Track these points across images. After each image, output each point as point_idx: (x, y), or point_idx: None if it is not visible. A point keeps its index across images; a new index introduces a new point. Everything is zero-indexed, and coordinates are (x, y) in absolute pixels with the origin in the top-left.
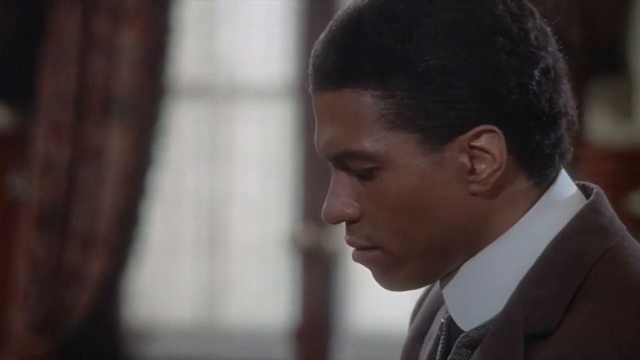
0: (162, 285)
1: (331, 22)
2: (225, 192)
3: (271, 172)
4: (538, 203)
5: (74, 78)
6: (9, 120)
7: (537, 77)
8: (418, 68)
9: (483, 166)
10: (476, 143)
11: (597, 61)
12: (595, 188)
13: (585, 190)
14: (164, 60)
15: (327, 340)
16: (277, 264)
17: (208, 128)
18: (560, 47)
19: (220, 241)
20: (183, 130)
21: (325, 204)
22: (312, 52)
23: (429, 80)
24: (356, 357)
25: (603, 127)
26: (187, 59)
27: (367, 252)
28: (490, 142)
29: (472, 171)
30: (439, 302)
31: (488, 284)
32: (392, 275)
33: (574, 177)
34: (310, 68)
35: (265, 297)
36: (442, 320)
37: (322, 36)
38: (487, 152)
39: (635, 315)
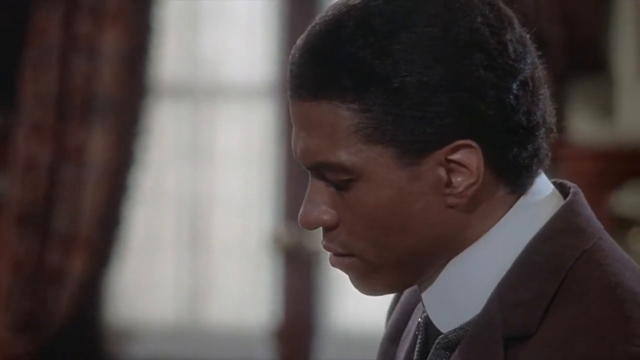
0: (144, 285)
1: (310, 27)
2: (207, 192)
3: (253, 172)
4: (515, 206)
5: (56, 78)
6: None
7: (514, 91)
8: (395, 83)
9: (460, 179)
10: (453, 157)
11: (578, 61)
12: (573, 187)
13: (562, 189)
14: (146, 60)
15: (309, 340)
16: (259, 264)
17: (190, 128)
18: (540, 52)
19: (202, 241)
20: (165, 129)
21: (302, 209)
22: (290, 57)
23: (406, 96)
24: (338, 356)
25: (584, 126)
26: (169, 58)
27: (344, 259)
28: (468, 156)
29: (449, 184)
30: (416, 299)
31: (466, 286)
32: (369, 281)
33: (554, 176)
34: (288, 74)
35: (247, 296)
36: (419, 319)
37: (300, 42)
38: (464, 165)
39: (613, 317)
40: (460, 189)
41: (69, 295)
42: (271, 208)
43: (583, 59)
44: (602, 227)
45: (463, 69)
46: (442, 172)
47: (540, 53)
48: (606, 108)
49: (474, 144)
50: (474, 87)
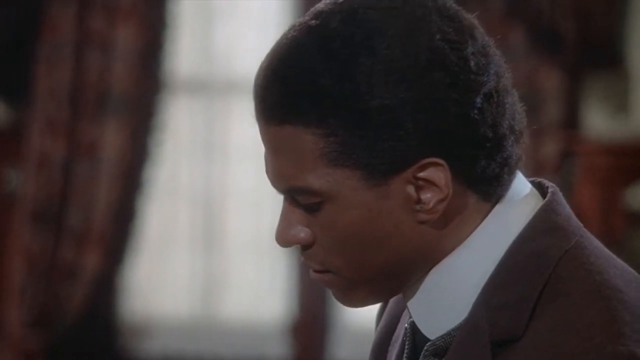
0: (157, 280)
1: (272, 48)
2: (221, 187)
3: None
4: (492, 212)
5: (70, 74)
6: (5, 115)
7: (478, 105)
8: (357, 108)
9: (429, 195)
10: (421, 174)
11: (593, 56)
12: (551, 187)
13: (541, 188)
14: (160, 55)
15: (324, 336)
16: (274, 259)
17: (204, 123)
18: (554, 47)
19: (216, 236)
20: (179, 125)
21: (277, 227)
22: (255, 78)
23: (368, 119)
24: (352, 352)
25: (599, 122)
26: (183, 54)
27: (323, 275)
28: (435, 173)
29: (419, 201)
30: (403, 305)
31: (451, 291)
32: (349, 296)
33: (569, 172)
34: (253, 96)
35: (262, 292)
36: (406, 325)
37: (263, 64)
38: (432, 182)
39: (600, 318)
40: (430, 205)
41: (83, 291)
42: None
43: (598, 54)
44: (581, 225)
45: (425, 90)
46: (411, 189)
47: (549, 45)
48: (621, 104)
49: (440, 161)
50: (436, 107)
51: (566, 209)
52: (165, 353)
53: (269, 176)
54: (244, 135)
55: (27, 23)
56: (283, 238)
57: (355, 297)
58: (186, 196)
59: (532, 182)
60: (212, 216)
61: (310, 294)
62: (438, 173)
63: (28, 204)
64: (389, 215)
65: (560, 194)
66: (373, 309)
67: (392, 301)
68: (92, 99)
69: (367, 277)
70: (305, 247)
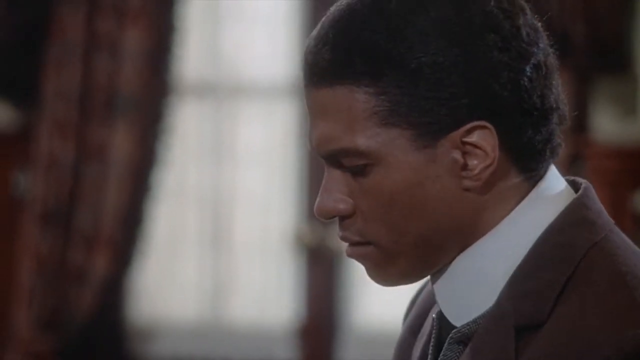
0: (166, 283)
1: (324, 18)
2: (229, 190)
3: (275, 170)
4: (527, 198)
5: (78, 76)
6: (14, 118)
7: (528, 73)
8: (410, 65)
9: (475, 162)
10: (468, 139)
11: (602, 59)
12: (584, 183)
13: (574, 186)
14: (168, 58)
15: (332, 339)
16: (282, 262)
17: (212, 126)
18: (553, 44)
19: (224, 239)
20: (187, 128)
21: (317, 199)
22: (305, 47)
23: (421, 77)
24: (361, 355)
25: (607, 125)
26: (191, 57)
27: (360, 248)
28: (483, 138)
29: (465, 167)
30: (432, 300)
31: (479, 278)
32: (384, 270)
33: (578, 174)
34: (303, 63)
35: (270, 295)
36: (433, 316)
37: (314, 32)
38: (479, 148)
39: (623, 304)
40: (476, 171)
41: (92, 294)
42: (293, 206)
43: (607, 58)
44: (612, 221)
45: (477, 50)
46: (457, 154)
47: (558, 47)
48: (630, 107)
49: (488, 125)
50: (488, 67)
51: (597, 204)
52: (173, 355)
53: (312, 142)
54: (252, 138)
55: (35, 25)
56: (322, 209)
57: (389, 273)
58: (194, 199)
59: (566, 180)
60: (220, 219)
61: (318, 297)
62: (485, 137)
63: (37, 207)
64: (434, 180)
65: (592, 190)
66: (382, 312)
67: (422, 297)
68: (100, 101)
69: (405, 248)
70: (343, 218)
